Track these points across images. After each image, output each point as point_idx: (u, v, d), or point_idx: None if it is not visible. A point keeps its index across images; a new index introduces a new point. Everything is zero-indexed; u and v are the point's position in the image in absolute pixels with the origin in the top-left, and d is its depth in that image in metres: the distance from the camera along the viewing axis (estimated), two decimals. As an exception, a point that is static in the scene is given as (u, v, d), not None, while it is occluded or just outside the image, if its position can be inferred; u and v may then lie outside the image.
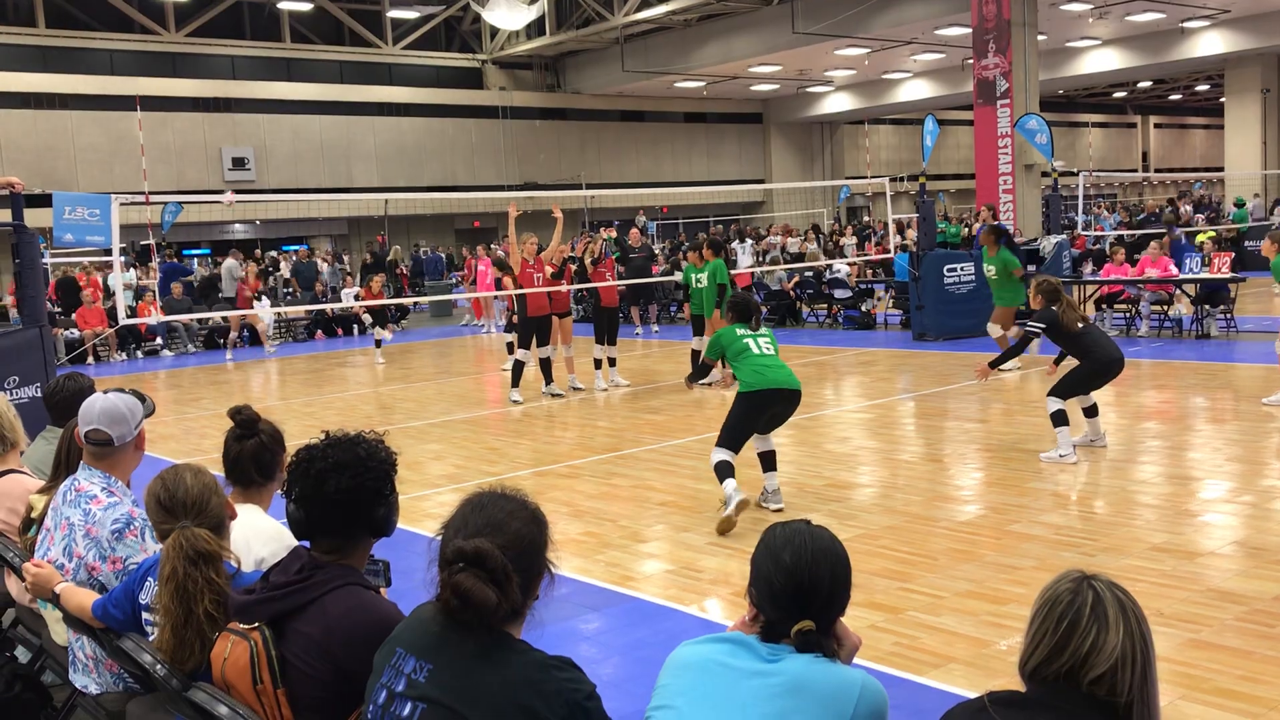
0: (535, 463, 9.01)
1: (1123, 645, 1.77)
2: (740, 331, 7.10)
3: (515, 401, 12.03)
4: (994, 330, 12.35)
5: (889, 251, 18.43)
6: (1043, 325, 8.00)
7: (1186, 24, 29.54)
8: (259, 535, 2.92)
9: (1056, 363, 8.53)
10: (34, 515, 3.68)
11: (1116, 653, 1.77)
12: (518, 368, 12.20)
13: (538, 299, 12.04)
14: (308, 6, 31.27)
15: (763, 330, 7.21)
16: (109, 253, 11.26)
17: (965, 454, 8.52)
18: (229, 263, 22.94)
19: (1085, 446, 8.19)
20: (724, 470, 6.71)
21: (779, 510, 6.93)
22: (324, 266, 25.16)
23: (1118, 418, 9.48)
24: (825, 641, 2.09)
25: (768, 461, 7.08)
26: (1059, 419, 7.87)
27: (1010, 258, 12.28)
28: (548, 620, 2.21)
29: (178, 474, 2.76)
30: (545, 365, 12.47)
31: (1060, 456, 7.84)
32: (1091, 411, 8.23)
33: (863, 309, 17.97)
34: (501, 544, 2.03)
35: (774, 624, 2.10)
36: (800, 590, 2.09)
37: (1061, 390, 7.97)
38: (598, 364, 12.89)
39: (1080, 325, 7.97)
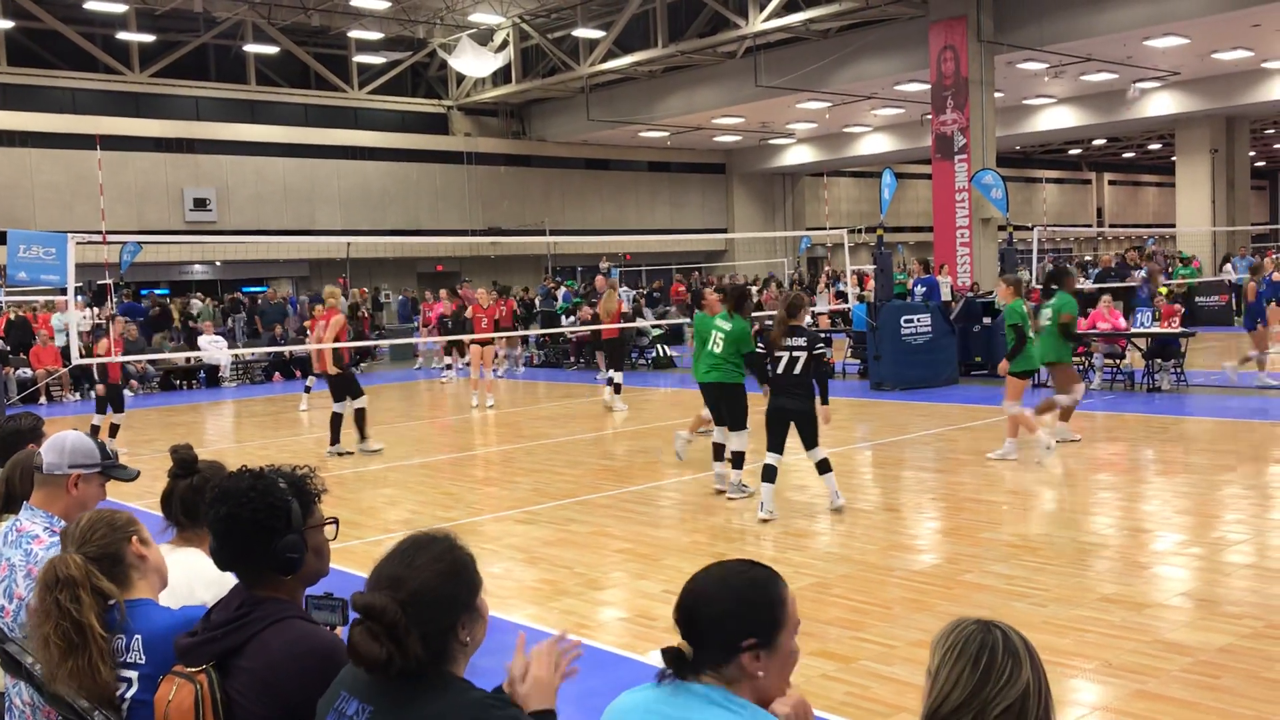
0: (493, 508, 8.96)
1: (1032, 679, 1.82)
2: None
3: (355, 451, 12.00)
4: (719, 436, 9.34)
5: (846, 301, 18.60)
6: (764, 347, 8.26)
7: (1138, 85, 30.30)
8: (200, 578, 2.87)
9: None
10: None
11: (1029, 685, 1.81)
12: (359, 416, 12.19)
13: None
14: (274, 50, 31.32)
15: (719, 324, 8.84)
16: (64, 291, 11.15)
17: (920, 503, 8.58)
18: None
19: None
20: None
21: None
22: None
23: (1074, 466, 9.60)
24: (690, 669, 2.00)
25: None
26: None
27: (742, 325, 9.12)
28: (501, 668, 2.20)
29: (81, 515, 2.78)
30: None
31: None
32: (770, 477, 8.11)
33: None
34: (402, 598, 1.99)
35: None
36: (682, 615, 2.04)
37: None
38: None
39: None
